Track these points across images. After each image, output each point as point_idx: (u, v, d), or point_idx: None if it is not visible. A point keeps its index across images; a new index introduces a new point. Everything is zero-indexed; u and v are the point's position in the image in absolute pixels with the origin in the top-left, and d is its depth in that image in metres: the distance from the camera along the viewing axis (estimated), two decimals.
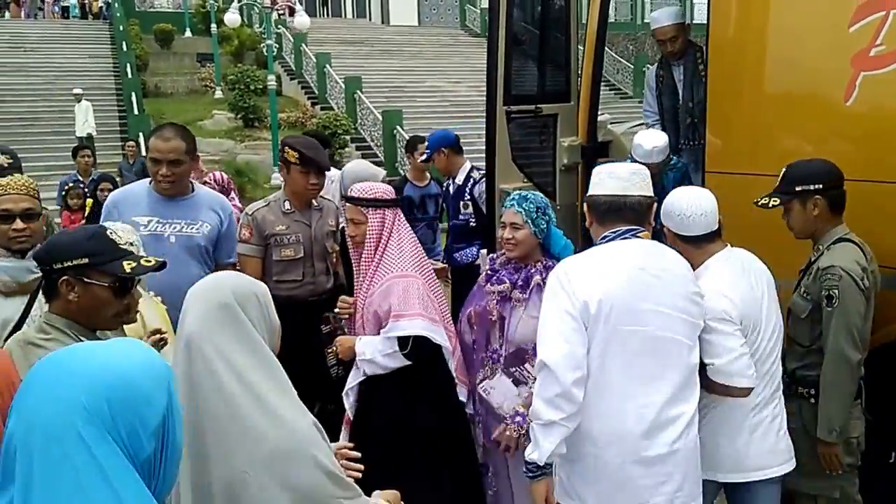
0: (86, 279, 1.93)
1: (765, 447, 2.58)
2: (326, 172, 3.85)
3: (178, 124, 3.65)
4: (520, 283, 2.91)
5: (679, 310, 2.29)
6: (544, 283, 2.67)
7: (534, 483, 2.28)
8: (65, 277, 1.93)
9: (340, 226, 3.81)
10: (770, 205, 2.83)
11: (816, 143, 3.21)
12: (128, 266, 1.98)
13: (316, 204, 3.76)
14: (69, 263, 1.92)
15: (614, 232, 2.35)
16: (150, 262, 2.04)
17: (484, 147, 4.27)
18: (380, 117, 17.59)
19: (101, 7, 28.76)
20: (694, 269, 2.52)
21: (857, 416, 2.81)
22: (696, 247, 2.61)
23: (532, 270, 2.94)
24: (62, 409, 0.99)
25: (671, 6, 4.79)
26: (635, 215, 2.35)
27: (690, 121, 4.42)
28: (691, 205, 2.59)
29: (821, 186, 2.75)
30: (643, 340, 2.23)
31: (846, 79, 3.08)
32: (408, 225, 3.17)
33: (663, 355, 2.26)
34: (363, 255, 3.08)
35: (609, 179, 2.39)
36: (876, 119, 3.06)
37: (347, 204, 3.11)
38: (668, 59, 4.60)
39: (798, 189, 2.78)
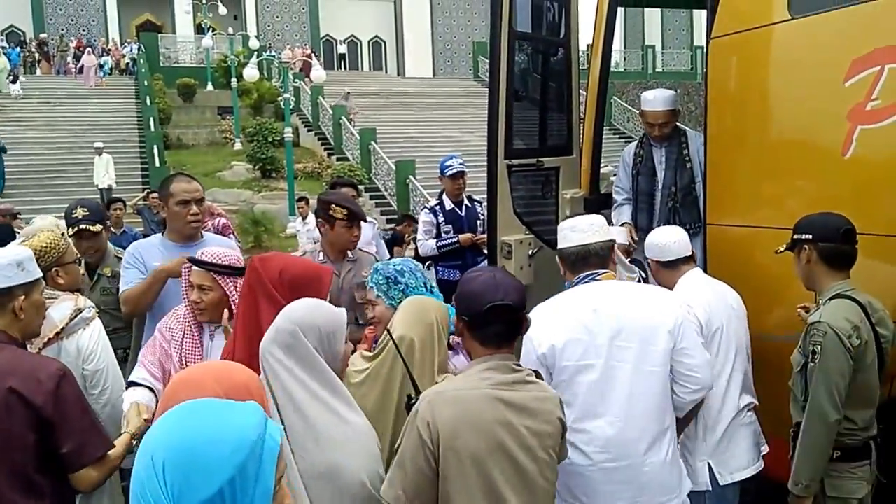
0: None
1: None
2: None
3: (184, 173, 3.92)
4: None
5: (639, 341, 2.49)
6: None
7: None
8: None
9: None
10: (779, 251, 2.91)
11: (816, 196, 3.19)
12: None
13: (350, 255, 3.89)
14: None
15: (578, 278, 2.64)
16: None
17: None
18: (393, 167, 17.79)
19: (127, 63, 29.57)
20: (672, 287, 3.05)
21: (860, 478, 2.73)
22: (673, 269, 3.16)
23: None
24: (141, 459, 1.13)
25: (667, 90, 4.65)
26: (599, 259, 2.65)
27: (672, 205, 4.29)
28: (666, 237, 3.20)
29: (810, 237, 2.78)
30: (602, 372, 2.46)
31: (843, 132, 3.08)
32: None
33: (624, 383, 2.46)
34: (222, 326, 2.80)
35: (572, 233, 2.70)
36: (874, 172, 3.04)
37: (194, 268, 2.86)
38: (652, 139, 4.45)
39: (794, 237, 2.84)
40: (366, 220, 3.95)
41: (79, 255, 3.46)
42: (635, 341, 2.48)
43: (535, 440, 2.05)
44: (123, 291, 3.45)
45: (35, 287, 2.39)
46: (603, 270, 2.63)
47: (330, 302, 2.88)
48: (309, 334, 1.99)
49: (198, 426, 1.13)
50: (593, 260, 2.63)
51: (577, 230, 2.69)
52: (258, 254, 3.81)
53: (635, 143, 4.61)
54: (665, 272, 3.18)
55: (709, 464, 2.99)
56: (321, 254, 3.90)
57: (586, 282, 2.61)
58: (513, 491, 2.00)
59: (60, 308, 2.83)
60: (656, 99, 4.40)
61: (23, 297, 2.33)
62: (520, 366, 2.17)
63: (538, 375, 2.22)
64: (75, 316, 2.84)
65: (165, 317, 2.96)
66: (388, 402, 2.37)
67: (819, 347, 2.62)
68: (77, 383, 2.32)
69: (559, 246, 2.73)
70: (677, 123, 4.49)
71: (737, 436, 3.03)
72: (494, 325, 2.10)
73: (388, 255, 6.03)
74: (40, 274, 2.43)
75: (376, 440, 2.04)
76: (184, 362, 2.77)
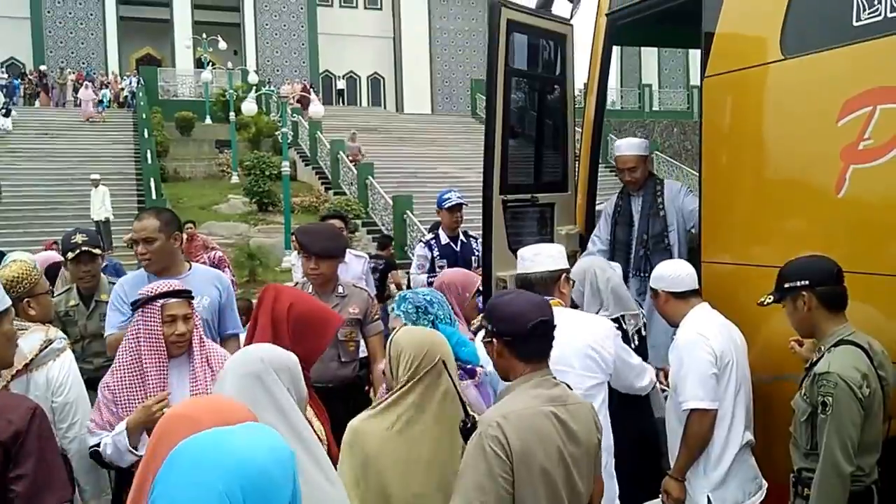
0: None
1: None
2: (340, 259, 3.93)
3: (162, 208, 3.98)
4: None
5: (576, 365, 2.71)
6: None
7: None
8: None
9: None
10: (765, 303, 2.86)
11: (810, 235, 3.19)
12: None
13: (341, 290, 3.83)
14: None
15: None
16: None
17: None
18: (390, 202, 17.84)
19: (126, 96, 29.78)
20: (678, 320, 3.16)
21: None
22: (683, 301, 3.19)
23: None
24: (201, 494, 1.12)
25: (637, 138, 4.79)
26: (541, 288, 2.86)
27: (644, 253, 4.40)
28: (678, 268, 3.27)
29: (807, 283, 2.72)
30: None
31: (837, 172, 3.09)
32: None
33: None
34: (195, 356, 2.79)
35: (521, 261, 3.01)
36: (867, 211, 3.04)
37: (174, 300, 2.80)
38: (628, 188, 4.55)
39: (786, 286, 2.77)
40: (326, 257, 3.79)
41: (51, 288, 3.44)
42: (574, 365, 2.69)
43: (584, 453, 2.18)
44: (109, 335, 3.41)
45: (4, 317, 2.30)
46: (548, 298, 2.74)
47: None
48: (282, 375, 1.94)
49: (256, 449, 1.19)
50: (536, 288, 2.85)
51: (525, 259, 2.98)
52: (253, 287, 3.79)
53: (616, 194, 4.69)
54: (676, 303, 3.21)
55: (708, 497, 3.03)
56: (310, 287, 3.85)
57: None
58: (569, 501, 2.12)
59: (30, 339, 2.75)
60: (624, 145, 4.57)
61: None
62: (556, 377, 2.25)
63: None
64: (45, 347, 2.76)
65: (105, 376, 2.82)
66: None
67: (830, 399, 2.55)
68: (48, 424, 2.21)
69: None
70: (652, 172, 4.59)
71: (736, 470, 3.05)
72: (538, 342, 2.21)
73: (373, 291, 5.97)
74: (9, 303, 2.34)
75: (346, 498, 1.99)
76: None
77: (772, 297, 2.82)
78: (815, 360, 2.74)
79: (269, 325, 2.47)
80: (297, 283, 3.99)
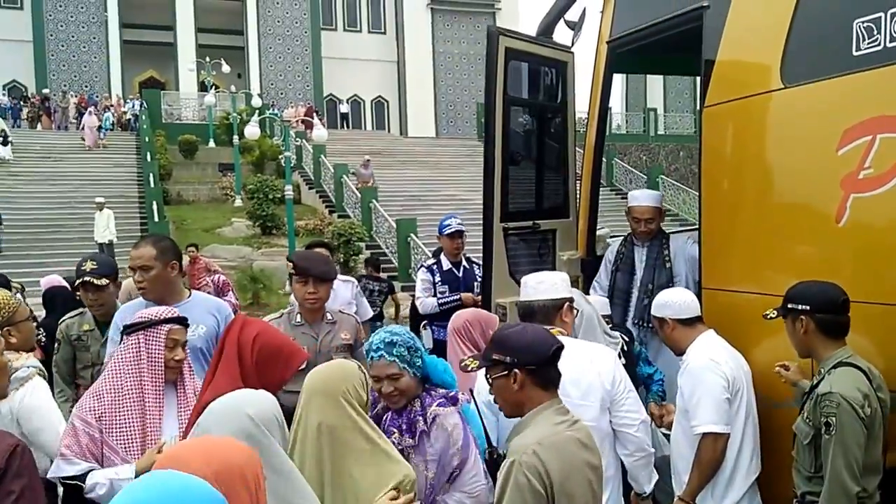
0: None
1: None
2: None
3: (160, 235, 3.86)
4: (405, 426, 2.54)
5: (577, 395, 2.68)
6: (428, 427, 2.52)
7: None
8: None
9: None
10: (769, 316, 2.90)
11: (811, 263, 3.18)
12: None
13: (330, 317, 3.78)
14: None
15: None
16: None
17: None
18: (394, 225, 17.87)
19: (129, 119, 29.95)
20: (685, 347, 3.19)
21: None
22: (690, 327, 3.21)
23: (414, 415, 2.54)
24: None
25: (652, 190, 4.80)
26: (543, 316, 2.87)
27: (647, 301, 4.25)
28: (683, 295, 3.31)
29: (808, 308, 2.75)
30: None
31: (837, 201, 3.08)
32: None
33: None
34: (186, 382, 2.79)
35: (524, 288, 3.00)
36: (868, 240, 3.02)
37: (176, 326, 2.78)
38: (636, 238, 4.52)
39: (789, 306, 2.81)
40: (325, 280, 3.74)
41: (32, 314, 3.41)
42: (574, 396, 2.64)
43: (599, 478, 2.21)
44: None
45: None
46: (548, 327, 2.69)
47: (307, 366, 2.79)
48: (272, 428, 1.87)
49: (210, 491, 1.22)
50: (537, 316, 2.87)
51: (528, 286, 2.97)
52: (256, 310, 3.75)
53: (619, 242, 4.67)
54: (683, 330, 3.23)
55: None
56: (298, 315, 3.76)
57: None
58: None
59: None
60: (641, 196, 4.58)
61: None
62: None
63: None
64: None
65: (83, 401, 2.69)
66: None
67: (834, 419, 2.55)
68: (31, 460, 2.12)
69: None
70: (661, 227, 4.58)
71: (743, 497, 3.08)
72: (555, 368, 2.23)
73: (370, 313, 5.93)
74: None
75: None
76: (150, 428, 2.65)
77: (774, 313, 2.87)
78: (814, 382, 2.76)
79: (235, 355, 2.46)
80: (281, 315, 3.88)
